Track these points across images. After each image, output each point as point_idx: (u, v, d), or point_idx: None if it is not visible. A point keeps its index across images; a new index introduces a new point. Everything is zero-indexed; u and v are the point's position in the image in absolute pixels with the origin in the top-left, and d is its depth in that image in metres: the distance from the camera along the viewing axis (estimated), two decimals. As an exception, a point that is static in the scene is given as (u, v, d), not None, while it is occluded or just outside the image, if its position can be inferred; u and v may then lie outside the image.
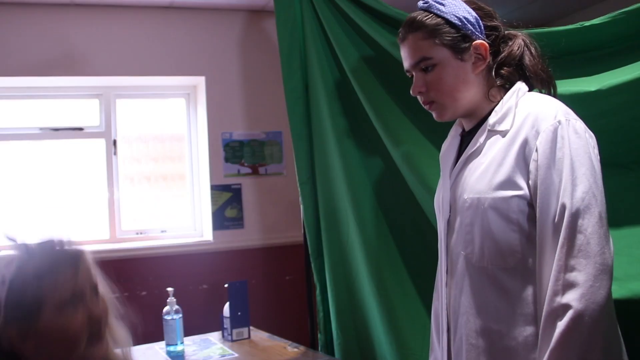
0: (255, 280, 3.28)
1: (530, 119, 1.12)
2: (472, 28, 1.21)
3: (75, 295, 1.06)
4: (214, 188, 3.32)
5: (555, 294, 1.03)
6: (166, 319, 2.21)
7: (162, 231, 3.39)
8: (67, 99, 3.25)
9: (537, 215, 1.09)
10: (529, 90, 1.23)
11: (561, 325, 1.01)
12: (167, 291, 2.24)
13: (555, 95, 1.22)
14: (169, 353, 2.18)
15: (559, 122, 1.09)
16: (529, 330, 1.11)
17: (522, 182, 1.11)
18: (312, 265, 2.45)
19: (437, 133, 1.94)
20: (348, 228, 2.25)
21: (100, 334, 1.08)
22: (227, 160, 3.36)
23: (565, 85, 1.53)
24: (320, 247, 2.41)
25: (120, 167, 3.34)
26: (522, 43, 1.24)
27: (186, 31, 3.28)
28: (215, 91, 3.33)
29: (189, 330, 2.41)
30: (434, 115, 1.28)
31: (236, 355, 2.16)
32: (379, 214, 2.16)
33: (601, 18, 1.44)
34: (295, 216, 2.94)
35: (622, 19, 1.42)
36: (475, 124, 1.26)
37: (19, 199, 3.16)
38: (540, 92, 1.24)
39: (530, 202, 1.11)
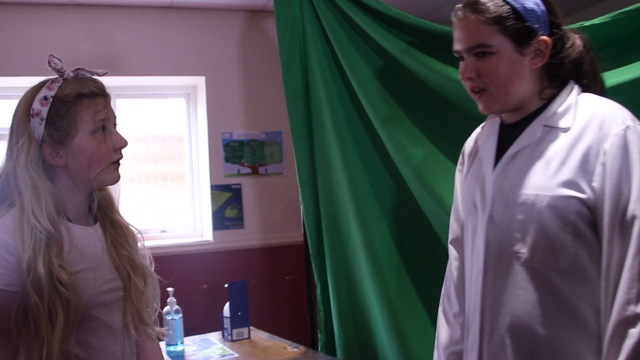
0: (255, 280, 3.28)
1: (597, 121, 1.08)
2: (538, 22, 1.14)
3: (105, 125, 1.20)
4: (214, 188, 3.32)
5: (628, 302, 1.00)
6: (166, 319, 2.21)
7: (162, 231, 3.39)
8: (67, 99, 3.25)
9: (606, 220, 1.05)
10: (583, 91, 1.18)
11: (635, 333, 0.98)
12: (167, 291, 2.24)
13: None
14: (169, 353, 2.18)
15: (628, 127, 1.06)
16: (578, 333, 1.08)
17: (584, 185, 1.07)
18: (313, 265, 2.45)
19: (432, 129, 1.95)
20: (349, 228, 2.26)
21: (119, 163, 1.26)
22: (227, 160, 3.36)
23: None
24: (321, 247, 2.41)
25: (121, 167, 3.33)
26: (581, 45, 1.18)
27: (186, 31, 3.28)
28: (215, 91, 3.33)
29: (189, 330, 2.41)
30: (481, 106, 1.20)
31: (236, 355, 2.16)
32: (380, 214, 2.16)
33: (601, 18, 1.44)
34: (295, 216, 2.94)
35: (622, 19, 1.42)
36: (521, 118, 1.20)
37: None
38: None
39: (590, 206, 1.07)
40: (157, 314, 1.34)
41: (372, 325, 2.21)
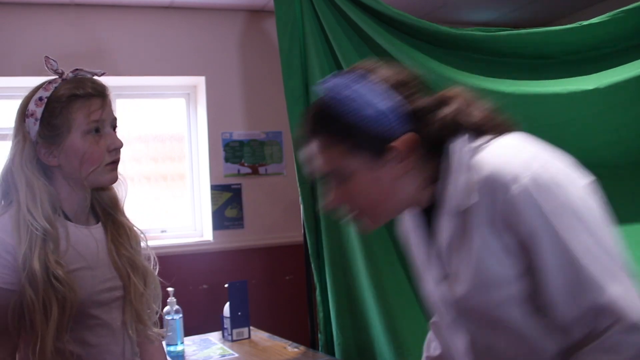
0: (255, 280, 3.28)
1: (489, 187, 0.88)
2: (389, 122, 0.93)
3: (99, 126, 1.20)
4: (214, 188, 3.32)
5: None
6: (166, 319, 2.21)
7: (162, 231, 3.39)
8: (67, 99, 3.26)
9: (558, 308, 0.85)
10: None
11: None
12: (167, 291, 2.24)
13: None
14: (169, 353, 2.18)
15: (524, 181, 0.85)
16: None
17: (522, 263, 0.88)
18: (312, 265, 2.45)
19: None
20: (347, 229, 2.26)
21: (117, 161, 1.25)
22: (227, 160, 3.36)
23: (563, 84, 1.53)
24: (320, 247, 2.41)
25: (120, 167, 3.33)
26: (465, 104, 0.97)
27: (186, 31, 3.29)
28: (215, 91, 3.34)
29: (189, 330, 2.41)
30: (365, 226, 1.03)
31: (236, 355, 2.16)
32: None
33: (601, 17, 1.44)
34: (295, 216, 2.94)
35: (621, 18, 1.42)
36: (431, 203, 1.00)
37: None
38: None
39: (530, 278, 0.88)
40: (157, 315, 1.34)
41: (370, 326, 2.21)
